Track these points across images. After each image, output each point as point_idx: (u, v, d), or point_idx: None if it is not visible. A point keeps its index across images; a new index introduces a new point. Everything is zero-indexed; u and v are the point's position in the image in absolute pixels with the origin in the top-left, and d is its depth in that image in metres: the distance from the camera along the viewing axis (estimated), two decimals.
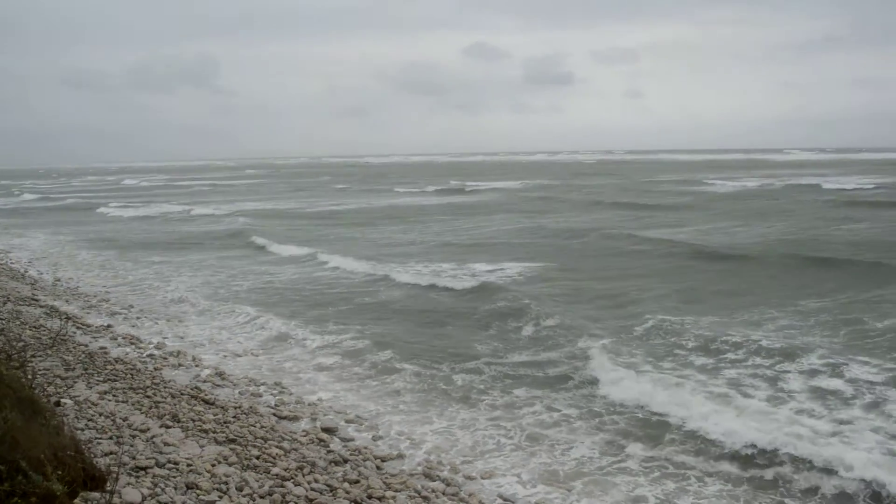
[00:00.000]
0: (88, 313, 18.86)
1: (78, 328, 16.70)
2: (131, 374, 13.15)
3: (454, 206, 53.24)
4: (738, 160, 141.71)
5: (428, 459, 10.28)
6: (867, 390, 11.98)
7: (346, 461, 9.95)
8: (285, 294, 21.73)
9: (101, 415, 10.68)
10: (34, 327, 16.01)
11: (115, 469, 7.23)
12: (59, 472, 5.35)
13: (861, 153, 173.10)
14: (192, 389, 12.58)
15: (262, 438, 10.39)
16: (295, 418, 11.65)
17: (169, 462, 9.06)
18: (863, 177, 74.32)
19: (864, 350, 14.20)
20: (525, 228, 37.01)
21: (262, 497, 8.51)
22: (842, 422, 10.81)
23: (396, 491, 9.08)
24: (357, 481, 9.24)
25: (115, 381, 12.64)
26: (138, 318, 18.65)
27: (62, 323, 16.25)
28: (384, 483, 9.28)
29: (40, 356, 13.02)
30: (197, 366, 14.34)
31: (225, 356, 15.34)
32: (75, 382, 12.22)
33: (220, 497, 8.34)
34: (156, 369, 13.80)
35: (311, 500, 8.62)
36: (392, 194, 68.68)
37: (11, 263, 27.77)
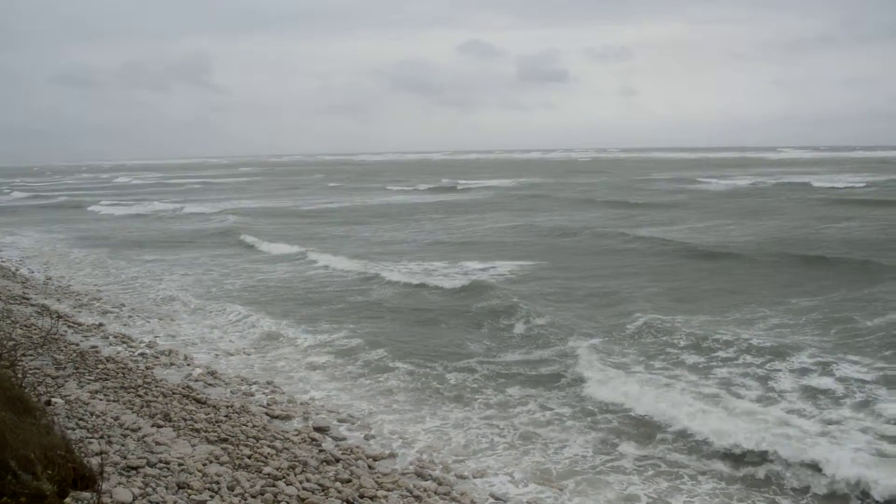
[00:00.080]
0: (80, 312, 18.79)
1: (69, 327, 16.63)
2: (122, 373, 13.12)
3: (447, 204, 53.24)
4: (730, 158, 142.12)
5: (420, 458, 10.29)
6: (857, 389, 12.03)
7: (338, 460, 9.94)
8: (277, 293, 21.69)
9: (91, 414, 10.64)
10: (25, 326, 15.94)
11: (106, 468, 7.21)
12: (49, 472, 5.34)
13: (854, 151, 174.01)
14: (183, 388, 12.55)
15: (253, 438, 10.38)
16: (287, 417, 11.63)
17: (160, 461, 9.04)
18: (854, 175, 74.71)
19: (855, 349, 14.27)
20: (517, 227, 37.05)
21: (253, 496, 8.49)
22: (831, 421, 10.86)
23: (388, 490, 9.08)
24: (349, 480, 9.23)
25: (107, 380, 12.62)
26: (130, 316, 18.59)
27: (53, 321, 16.19)
28: (376, 482, 9.27)
29: (31, 355, 12.96)
30: (188, 365, 14.30)
31: (217, 355, 15.31)
32: (66, 381, 12.19)
33: (212, 496, 8.32)
34: (147, 368, 13.77)
35: (303, 500, 8.61)
36: (385, 192, 68.69)
37: (2, 261, 27.66)
